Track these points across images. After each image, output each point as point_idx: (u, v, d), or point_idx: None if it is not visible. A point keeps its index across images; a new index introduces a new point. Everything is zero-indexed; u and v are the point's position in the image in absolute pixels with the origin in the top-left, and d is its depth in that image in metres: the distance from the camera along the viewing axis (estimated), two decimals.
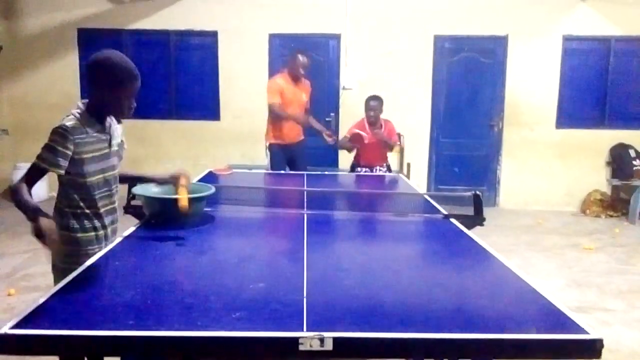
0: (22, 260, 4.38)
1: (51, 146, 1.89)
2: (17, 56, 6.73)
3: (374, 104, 4.71)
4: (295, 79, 4.89)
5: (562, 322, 1.48)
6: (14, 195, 1.81)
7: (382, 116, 4.79)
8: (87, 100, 2.05)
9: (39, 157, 1.89)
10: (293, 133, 5.01)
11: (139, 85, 2.03)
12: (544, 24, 6.59)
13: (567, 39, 6.58)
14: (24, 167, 6.92)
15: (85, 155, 1.97)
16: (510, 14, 6.56)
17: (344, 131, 6.53)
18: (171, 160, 6.84)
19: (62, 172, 1.92)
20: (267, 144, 5.04)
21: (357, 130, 4.75)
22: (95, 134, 2.01)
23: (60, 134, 1.89)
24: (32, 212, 1.70)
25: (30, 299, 3.64)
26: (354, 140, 4.75)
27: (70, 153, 1.92)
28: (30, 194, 1.84)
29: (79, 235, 2.04)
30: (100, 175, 2.05)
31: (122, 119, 2.16)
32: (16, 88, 6.83)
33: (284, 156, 4.98)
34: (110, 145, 2.10)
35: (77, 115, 1.99)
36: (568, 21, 6.57)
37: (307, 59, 4.83)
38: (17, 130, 6.80)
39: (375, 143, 4.70)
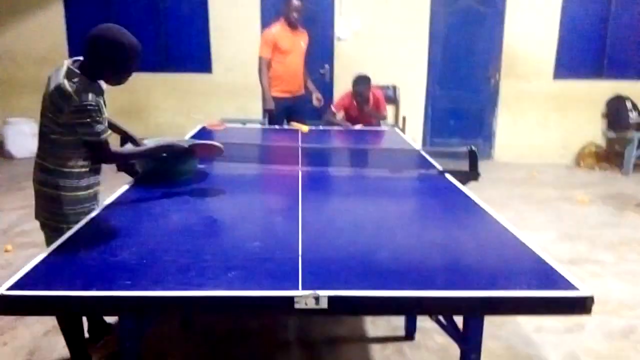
0: (17, 216, 4.37)
1: (94, 120, 1.96)
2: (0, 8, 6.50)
3: (361, 89, 4.41)
4: (292, 26, 4.75)
5: (554, 278, 1.50)
6: (122, 159, 2.29)
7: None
8: (78, 62, 2.02)
9: (93, 134, 1.98)
10: (295, 85, 4.84)
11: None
12: None
13: None
14: (13, 122, 6.83)
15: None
16: None
17: (338, 83, 6.47)
18: (163, 114, 6.76)
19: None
20: None
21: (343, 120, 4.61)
22: (100, 98, 2.04)
23: (94, 110, 1.96)
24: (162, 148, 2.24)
25: (28, 254, 3.65)
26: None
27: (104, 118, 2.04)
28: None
29: (80, 193, 2.07)
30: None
31: None
32: (1, 41, 6.63)
33: (283, 109, 4.80)
34: (105, 104, 2.12)
35: (84, 84, 1.96)
36: None
37: (300, 3, 4.68)
38: (5, 85, 6.64)
39: (364, 117, 4.55)
